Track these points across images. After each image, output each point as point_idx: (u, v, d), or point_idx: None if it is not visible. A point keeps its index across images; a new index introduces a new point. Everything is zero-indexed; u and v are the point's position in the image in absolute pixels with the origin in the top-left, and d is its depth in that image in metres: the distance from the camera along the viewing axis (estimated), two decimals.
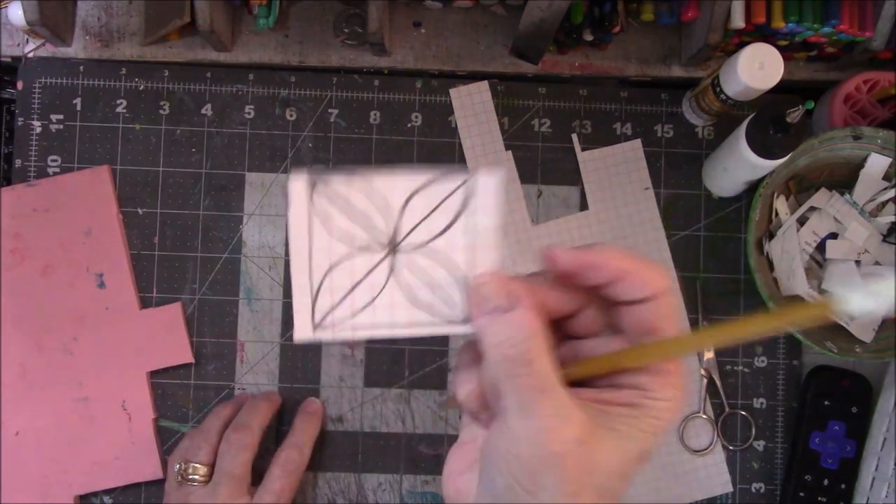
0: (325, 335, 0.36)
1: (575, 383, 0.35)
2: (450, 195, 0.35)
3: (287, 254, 0.66)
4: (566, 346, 0.38)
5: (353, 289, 0.35)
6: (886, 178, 0.64)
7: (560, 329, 0.38)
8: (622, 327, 0.36)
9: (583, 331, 0.38)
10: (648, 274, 0.35)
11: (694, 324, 0.67)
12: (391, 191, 0.35)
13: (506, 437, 0.34)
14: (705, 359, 0.66)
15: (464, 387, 0.37)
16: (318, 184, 0.35)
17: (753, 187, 0.62)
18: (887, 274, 0.33)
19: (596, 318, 0.37)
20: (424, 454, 0.65)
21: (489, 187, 0.35)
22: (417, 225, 0.35)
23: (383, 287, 0.35)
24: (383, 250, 0.36)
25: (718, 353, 0.66)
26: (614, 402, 0.35)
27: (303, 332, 0.36)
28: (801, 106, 0.54)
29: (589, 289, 0.36)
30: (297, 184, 0.35)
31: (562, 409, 0.33)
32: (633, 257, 0.35)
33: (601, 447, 0.33)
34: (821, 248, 0.64)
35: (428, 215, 0.35)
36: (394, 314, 0.36)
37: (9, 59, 0.66)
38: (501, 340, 0.34)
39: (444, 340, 0.66)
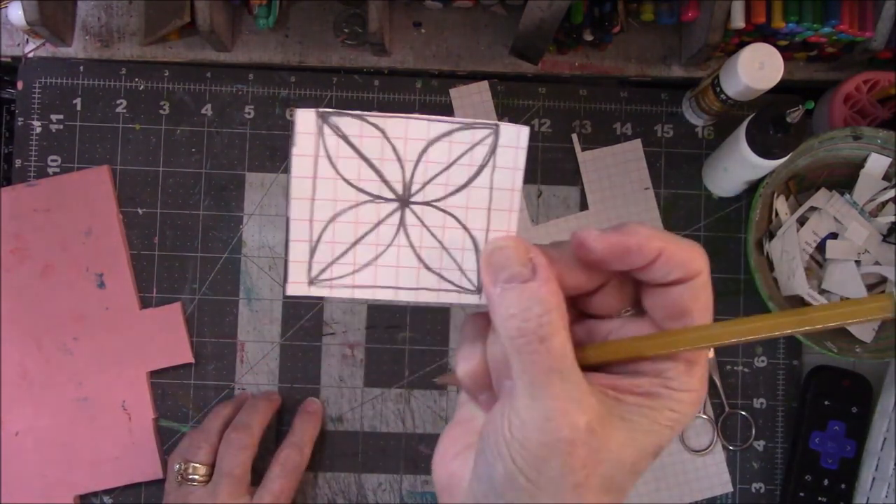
0: (321, 291, 0.32)
1: (588, 367, 0.32)
2: (471, 148, 0.31)
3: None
4: (581, 326, 0.35)
5: (356, 242, 0.32)
6: (886, 178, 0.64)
7: (576, 305, 0.34)
8: (648, 309, 0.33)
9: (602, 309, 0.34)
10: (685, 254, 0.31)
11: None
12: (407, 138, 0.32)
13: (510, 419, 0.31)
14: None
15: (466, 362, 0.34)
16: (328, 122, 0.31)
17: (753, 187, 0.62)
18: None
19: (618, 297, 0.34)
20: (424, 454, 0.65)
21: (516, 143, 0.32)
22: (434, 178, 0.32)
23: (390, 244, 0.32)
24: (394, 203, 0.32)
25: (718, 353, 0.66)
26: (632, 391, 0.32)
27: (297, 286, 0.32)
28: (801, 106, 0.54)
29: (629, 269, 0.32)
30: (305, 119, 0.31)
31: (576, 394, 0.30)
32: (667, 236, 0.32)
33: (613, 438, 0.31)
34: (821, 248, 0.64)
35: (446, 168, 0.32)
36: (399, 275, 0.32)
37: (9, 59, 0.66)
38: (516, 313, 0.30)
39: (444, 341, 0.66)
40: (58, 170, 0.65)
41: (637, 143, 0.68)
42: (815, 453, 0.65)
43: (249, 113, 0.67)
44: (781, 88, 0.57)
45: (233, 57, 0.67)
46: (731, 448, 0.66)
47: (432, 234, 0.32)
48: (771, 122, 0.56)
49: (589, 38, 0.64)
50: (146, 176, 0.66)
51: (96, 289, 0.64)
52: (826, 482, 0.65)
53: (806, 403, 0.65)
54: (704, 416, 0.66)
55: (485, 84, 0.67)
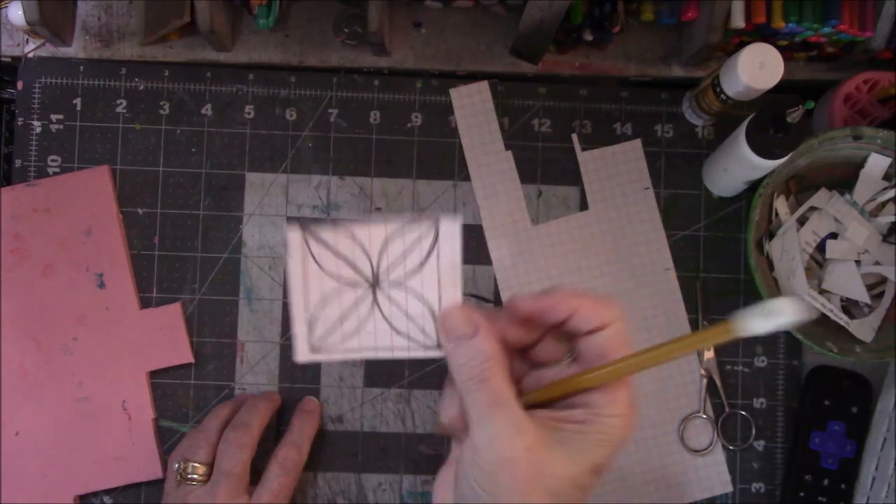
0: (320, 357, 0.42)
1: (538, 406, 0.41)
2: (420, 239, 0.41)
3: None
4: (533, 375, 0.43)
5: (341, 319, 0.42)
6: (886, 178, 0.64)
7: (527, 358, 0.43)
8: (580, 354, 0.41)
9: (546, 359, 0.43)
10: (598, 308, 0.40)
11: (694, 324, 0.67)
12: (371, 236, 0.41)
13: (469, 446, 0.39)
14: (705, 359, 0.66)
15: (446, 411, 0.42)
16: (311, 232, 0.41)
17: (753, 187, 0.62)
18: (783, 297, 0.38)
19: (556, 348, 0.43)
20: (424, 454, 0.65)
21: (451, 231, 0.41)
22: (393, 265, 0.42)
23: (367, 317, 0.42)
24: (367, 287, 0.42)
25: (718, 353, 0.67)
26: (568, 420, 0.40)
27: (302, 354, 0.43)
28: (801, 106, 0.54)
29: (553, 325, 0.42)
30: (294, 233, 0.41)
31: (514, 421, 0.38)
32: (583, 295, 0.41)
33: (552, 456, 0.38)
34: (821, 248, 0.64)
35: (403, 256, 0.41)
36: (377, 339, 0.42)
37: (9, 59, 0.66)
38: (464, 362, 0.40)
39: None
40: (58, 170, 0.65)
41: (637, 143, 0.68)
42: (815, 453, 0.65)
43: (249, 113, 0.67)
44: (781, 88, 0.57)
45: (233, 57, 0.67)
46: (731, 448, 0.66)
47: (398, 308, 0.42)
48: (771, 122, 0.56)
49: (589, 38, 0.64)
50: (146, 176, 0.66)
51: (96, 289, 0.64)
52: (826, 482, 0.65)
53: (806, 403, 0.65)
54: (704, 416, 0.66)
55: (485, 84, 0.67)
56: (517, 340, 0.42)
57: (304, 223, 0.41)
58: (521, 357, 0.43)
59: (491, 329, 0.41)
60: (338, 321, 0.42)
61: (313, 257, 0.41)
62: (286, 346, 0.65)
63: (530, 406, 0.41)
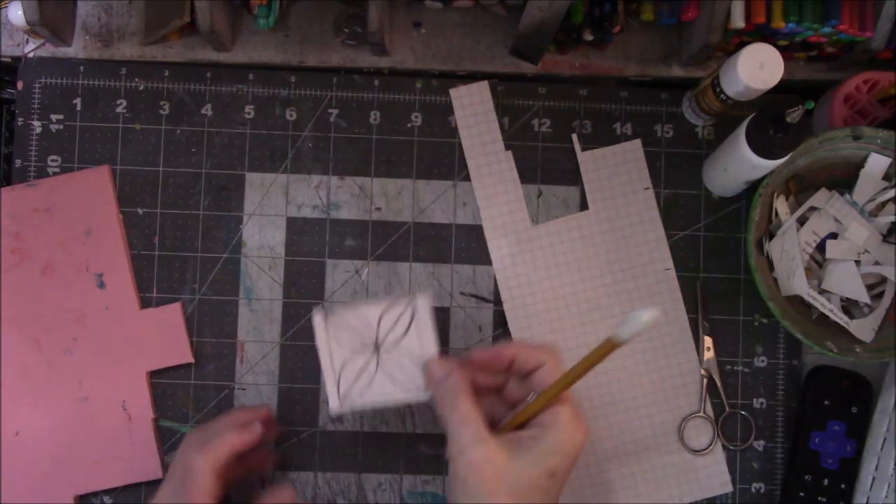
0: (346, 408, 0.57)
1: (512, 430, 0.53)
2: (402, 314, 0.57)
3: (286, 255, 0.66)
4: (510, 413, 0.56)
5: (357, 377, 0.57)
6: (886, 178, 0.64)
7: (505, 401, 0.56)
8: (534, 389, 0.54)
9: (516, 398, 0.56)
10: (531, 353, 0.53)
11: (694, 323, 0.67)
12: (370, 314, 0.57)
13: (449, 459, 0.51)
14: (705, 359, 0.66)
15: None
16: (330, 316, 0.57)
17: (753, 187, 0.62)
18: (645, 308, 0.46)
19: (521, 388, 0.55)
20: (424, 454, 0.65)
21: (424, 306, 0.57)
22: (389, 333, 0.57)
23: (375, 373, 0.57)
24: (371, 351, 0.57)
25: (719, 354, 0.67)
26: (525, 437, 0.51)
27: (334, 406, 0.57)
28: (801, 106, 0.54)
29: (506, 369, 0.55)
30: (318, 318, 0.57)
31: (477, 436, 0.50)
32: (520, 345, 0.56)
33: (512, 463, 0.50)
34: (821, 248, 0.64)
35: (393, 327, 0.57)
36: (384, 389, 0.57)
37: (9, 59, 0.66)
38: (441, 395, 0.53)
39: (444, 341, 0.66)
40: (58, 170, 0.65)
41: (637, 143, 0.68)
42: (815, 453, 0.65)
43: (249, 113, 0.67)
44: (781, 88, 0.57)
45: (233, 57, 0.67)
46: (731, 448, 0.66)
47: (396, 364, 0.57)
48: (771, 122, 0.56)
49: (589, 38, 0.64)
50: (146, 176, 0.66)
51: (96, 289, 0.64)
52: (826, 482, 0.65)
53: (806, 403, 0.65)
54: (704, 416, 0.66)
55: (485, 84, 0.67)
56: (486, 384, 0.56)
57: (326, 310, 0.57)
58: (499, 399, 0.56)
59: (460, 371, 0.53)
60: (354, 378, 0.57)
61: (334, 334, 0.57)
62: (286, 346, 0.65)
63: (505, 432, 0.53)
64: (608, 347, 0.48)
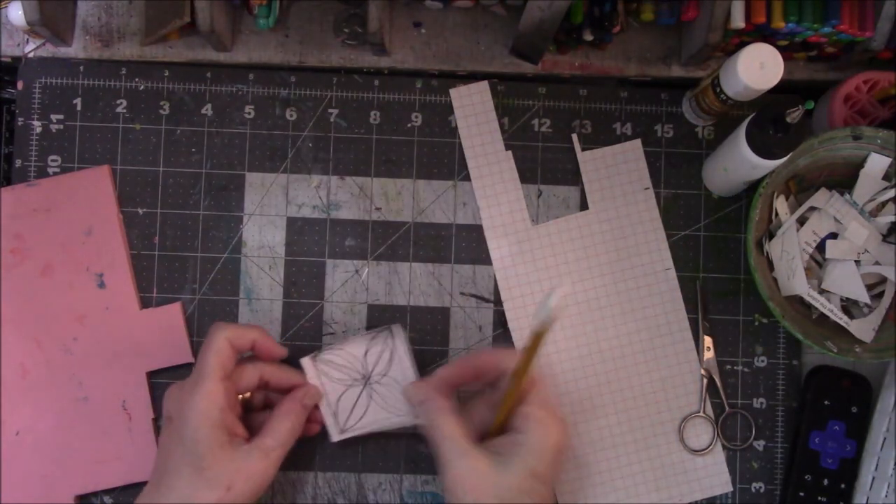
0: (345, 435, 0.62)
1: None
2: (384, 346, 0.62)
3: (286, 255, 0.66)
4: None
5: (353, 407, 0.62)
6: (886, 178, 0.64)
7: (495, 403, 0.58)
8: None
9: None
10: (490, 360, 0.58)
11: (694, 323, 0.67)
12: (355, 350, 0.62)
13: (439, 474, 0.55)
14: (705, 359, 0.66)
15: None
16: (319, 359, 0.62)
17: (753, 187, 0.62)
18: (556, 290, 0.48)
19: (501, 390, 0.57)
20: (424, 454, 0.65)
21: (400, 336, 0.62)
22: (376, 365, 0.62)
23: (368, 404, 0.62)
24: (362, 383, 0.62)
25: (718, 353, 0.67)
26: (505, 444, 0.55)
27: (334, 435, 0.62)
28: (801, 106, 0.54)
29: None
30: (307, 362, 0.62)
31: (461, 449, 0.54)
32: (485, 353, 0.59)
33: (494, 470, 0.53)
34: (821, 248, 0.64)
35: (378, 358, 0.62)
36: (378, 416, 0.62)
37: (9, 59, 0.66)
38: (424, 416, 0.58)
39: (444, 340, 0.66)
40: (58, 170, 0.65)
41: (637, 142, 0.68)
42: (815, 453, 0.65)
43: (249, 113, 0.67)
44: (781, 88, 0.57)
45: (233, 57, 0.67)
46: (731, 448, 0.66)
47: (386, 393, 0.62)
48: (771, 122, 0.56)
49: (589, 38, 0.64)
50: (146, 176, 0.66)
51: (96, 289, 0.64)
52: (826, 482, 0.65)
53: (806, 403, 0.65)
54: (704, 416, 0.66)
55: (485, 84, 0.67)
56: (479, 387, 0.60)
57: (312, 356, 0.62)
58: (492, 401, 0.58)
59: (436, 393, 0.57)
60: (350, 409, 0.62)
61: (325, 372, 0.62)
62: (286, 346, 0.65)
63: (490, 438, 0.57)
64: (535, 340, 0.50)
